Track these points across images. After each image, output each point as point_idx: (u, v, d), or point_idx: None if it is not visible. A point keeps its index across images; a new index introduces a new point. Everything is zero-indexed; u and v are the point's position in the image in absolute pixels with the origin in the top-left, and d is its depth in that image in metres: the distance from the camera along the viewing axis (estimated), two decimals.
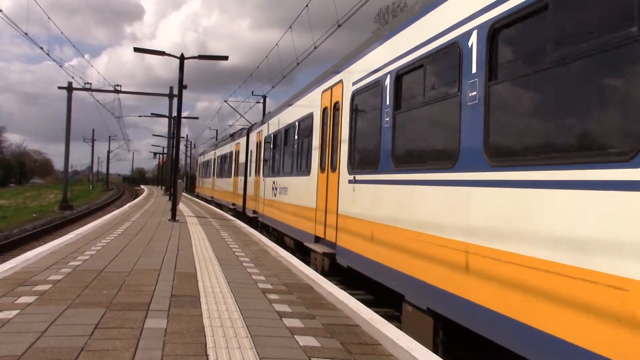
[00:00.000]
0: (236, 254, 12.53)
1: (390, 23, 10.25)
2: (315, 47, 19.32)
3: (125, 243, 13.43)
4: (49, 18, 29.83)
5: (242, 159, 27.53)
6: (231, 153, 32.15)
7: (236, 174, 29.43)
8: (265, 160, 20.82)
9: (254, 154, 23.98)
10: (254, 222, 22.73)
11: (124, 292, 7.72)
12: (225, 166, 34.98)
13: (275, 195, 18.06)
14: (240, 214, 26.94)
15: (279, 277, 9.68)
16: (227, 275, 9.46)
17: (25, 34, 27.09)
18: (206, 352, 5.21)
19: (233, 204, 29.91)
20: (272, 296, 7.96)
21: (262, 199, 20.73)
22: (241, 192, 26.93)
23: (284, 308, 7.22)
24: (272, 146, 19.41)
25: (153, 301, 7.21)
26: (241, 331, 5.97)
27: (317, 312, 7.11)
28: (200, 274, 9.50)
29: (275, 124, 19.10)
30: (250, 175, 24.86)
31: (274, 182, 18.50)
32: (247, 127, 29.23)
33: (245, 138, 26.98)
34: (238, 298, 7.66)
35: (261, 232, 19.06)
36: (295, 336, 5.91)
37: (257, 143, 23.40)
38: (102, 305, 6.86)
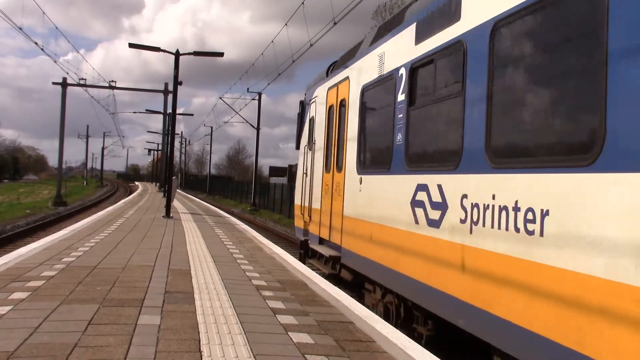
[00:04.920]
0: (230, 250, 12.52)
1: None
2: (311, 45, 19.33)
3: (119, 239, 13.39)
4: (43, 13, 29.75)
5: None
6: None
7: None
8: None
9: None
10: None
11: (118, 288, 7.70)
12: None
13: None
14: None
15: (273, 273, 9.68)
16: (221, 272, 9.45)
17: (20, 28, 26.96)
18: (200, 348, 5.21)
19: None
20: (266, 293, 7.96)
21: None
22: None
23: (278, 305, 7.22)
24: None
25: (147, 297, 7.20)
26: (235, 328, 5.97)
27: (311, 309, 7.12)
28: (194, 270, 9.49)
29: None
30: None
31: None
32: None
33: None
34: (232, 295, 7.65)
35: None
36: (289, 333, 5.91)
37: None
38: (95, 301, 6.84)
